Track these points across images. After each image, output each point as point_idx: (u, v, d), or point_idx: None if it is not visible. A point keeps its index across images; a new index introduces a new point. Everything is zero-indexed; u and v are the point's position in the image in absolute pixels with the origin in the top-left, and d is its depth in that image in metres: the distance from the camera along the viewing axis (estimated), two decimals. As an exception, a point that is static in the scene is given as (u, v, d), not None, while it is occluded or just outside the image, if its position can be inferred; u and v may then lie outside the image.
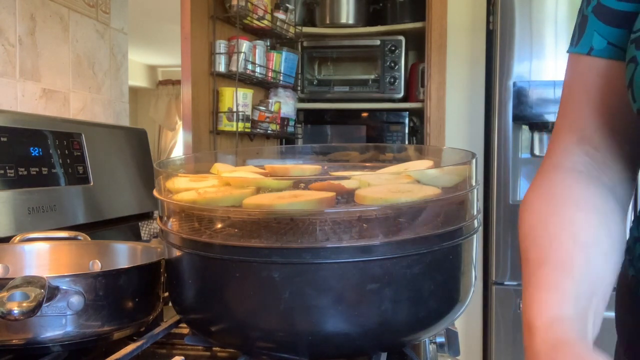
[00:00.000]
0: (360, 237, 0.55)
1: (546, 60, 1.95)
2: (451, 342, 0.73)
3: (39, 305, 0.52)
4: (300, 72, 2.53)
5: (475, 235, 0.65)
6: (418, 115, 2.57)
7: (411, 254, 0.56)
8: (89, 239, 0.84)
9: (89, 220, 1.13)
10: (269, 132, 2.28)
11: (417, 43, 2.46)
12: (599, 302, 0.49)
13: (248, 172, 0.73)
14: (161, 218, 0.67)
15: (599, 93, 0.61)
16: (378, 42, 2.45)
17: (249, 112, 2.17)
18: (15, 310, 0.51)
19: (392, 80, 2.44)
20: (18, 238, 0.81)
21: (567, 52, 0.65)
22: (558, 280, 0.49)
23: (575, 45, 0.63)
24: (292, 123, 2.45)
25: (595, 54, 0.61)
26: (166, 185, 0.66)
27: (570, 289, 0.48)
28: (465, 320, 2.20)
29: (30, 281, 0.54)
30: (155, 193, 0.67)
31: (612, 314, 0.69)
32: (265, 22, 2.19)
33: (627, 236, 0.63)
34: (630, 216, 1.76)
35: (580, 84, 0.63)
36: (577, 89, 0.63)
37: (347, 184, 0.60)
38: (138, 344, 0.63)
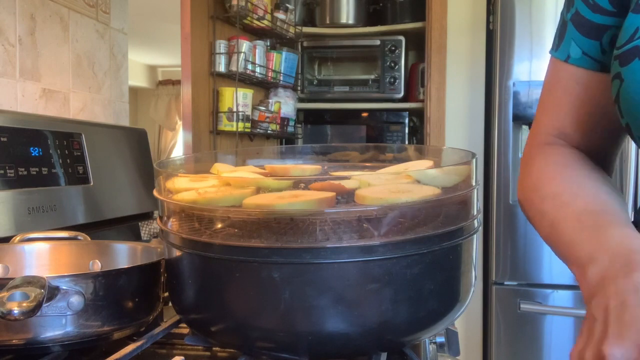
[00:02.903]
0: (360, 237, 0.55)
1: (546, 60, 1.93)
2: (451, 342, 0.73)
3: (39, 305, 0.52)
4: (300, 72, 2.53)
5: (475, 235, 0.65)
6: (418, 115, 2.57)
7: (411, 254, 0.56)
8: (89, 239, 0.84)
9: (89, 220, 1.13)
10: (269, 132, 2.28)
11: (417, 43, 2.46)
12: None
13: (248, 172, 0.73)
14: (161, 218, 0.67)
15: (578, 99, 0.65)
16: (378, 42, 2.45)
17: (249, 112, 2.17)
18: (15, 310, 0.51)
19: (392, 80, 2.44)
20: (18, 238, 0.81)
21: (549, 53, 0.68)
22: (628, 224, 0.52)
23: (555, 49, 0.66)
24: (292, 123, 2.45)
25: (572, 62, 0.64)
26: (166, 185, 0.66)
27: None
28: (465, 320, 2.20)
29: (30, 281, 0.54)
30: (155, 193, 0.67)
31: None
32: (265, 22, 2.19)
33: None
34: (630, 213, 1.76)
35: (560, 88, 0.66)
36: (557, 92, 0.67)
37: (347, 184, 0.60)
38: (138, 344, 0.63)
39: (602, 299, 0.43)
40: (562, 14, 0.66)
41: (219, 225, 0.59)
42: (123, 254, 0.82)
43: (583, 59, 0.63)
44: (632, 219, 0.68)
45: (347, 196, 0.60)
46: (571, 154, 0.65)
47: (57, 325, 0.58)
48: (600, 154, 0.67)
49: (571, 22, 0.64)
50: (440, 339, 0.72)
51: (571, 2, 0.64)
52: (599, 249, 0.48)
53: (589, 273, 0.47)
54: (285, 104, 2.38)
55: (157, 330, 0.68)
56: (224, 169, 0.76)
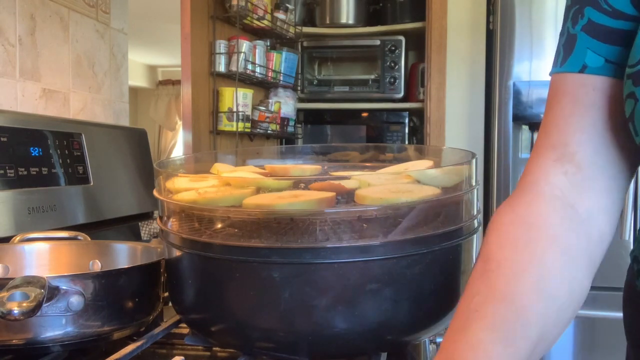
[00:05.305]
0: (360, 237, 0.55)
1: (546, 60, 1.95)
2: (451, 342, 0.73)
3: (39, 305, 0.52)
4: (300, 72, 2.53)
5: (475, 235, 0.65)
6: (418, 115, 2.57)
7: (411, 254, 0.56)
8: (89, 239, 0.84)
9: (89, 220, 1.13)
10: (269, 132, 2.28)
11: (417, 43, 2.46)
12: (540, 350, 0.47)
13: (248, 172, 0.73)
14: (161, 218, 0.67)
15: (592, 106, 0.57)
16: (378, 42, 2.45)
17: (249, 112, 2.17)
18: (15, 310, 0.51)
19: (392, 80, 2.44)
20: (18, 238, 0.81)
21: (551, 73, 0.61)
22: (514, 326, 0.45)
23: (560, 65, 0.60)
24: (292, 123, 2.45)
25: (591, 72, 0.57)
26: (166, 185, 0.66)
27: (522, 338, 0.45)
28: (465, 320, 2.20)
29: (30, 281, 0.54)
30: (155, 193, 0.67)
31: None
32: (265, 22, 2.19)
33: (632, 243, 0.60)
34: (630, 221, 1.75)
35: (566, 101, 0.58)
36: (561, 106, 0.59)
37: (347, 184, 0.60)
38: (138, 344, 0.63)
39: None
40: (565, 30, 0.60)
41: (219, 225, 0.59)
42: (123, 254, 0.82)
43: (606, 67, 0.56)
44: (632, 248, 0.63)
45: (347, 196, 0.60)
46: (550, 216, 0.55)
47: (57, 325, 0.58)
48: (613, 178, 0.57)
49: (584, 33, 0.58)
50: (440, 339, 0.72)
51: (579, 15, 0.58)
52: (443, 353, 0.44)
53: None
54: (285, 104, 2.38)
55: (157, 330, 0.68)
56: (224, 169, 0.76)
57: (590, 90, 0.57)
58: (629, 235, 1.71)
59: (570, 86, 0.58)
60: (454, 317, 0.47)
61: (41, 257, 0.80)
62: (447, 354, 0.43)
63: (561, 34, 0.61)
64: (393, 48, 2.42)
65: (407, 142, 2.46)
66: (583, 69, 0.57)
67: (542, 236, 0.52)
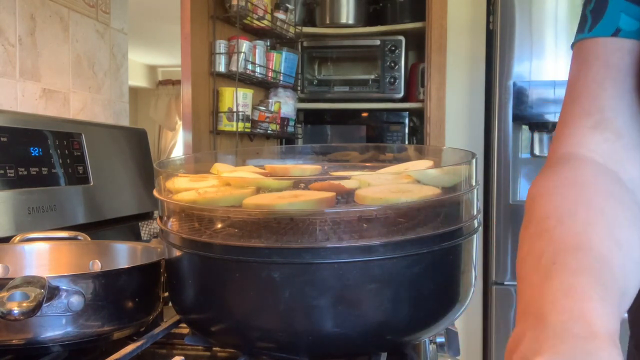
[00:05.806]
0: (360, 237, 0.55)
1: (546, 60, 1.95)
2: (451, 342, 0.73)
3: (39, 305, 0.52)
4: (300, 72, 2.53)
5: (475, 235, 0.64)
6: (418, 115, 2.57)
7: (411, 254, 0.56)
8: (89, 239, 0.84)
9: (89, 220, 1.13)
10: (269, 132, 2.28)
11: (417, 43, 2.46)
12: (624, 307, 0.42)
13: (248, 172, 0.73)
14: (161, 218, 0.67)
15: (627, 71, 0.54)
16: (378, 42, 2.45)
17: (249, 112, 2.17)
18: (15, 310, 0.51)
19: (392, 80, 2.44)
20: (18, 238, 0.81)
21: (577, 39, 0.58)
22: (601, 273, 0.39)
23: (589, 30, 0.57)
24: (292, 123, 2.45)
25: (625, 35, 0.54)
26: (166, 185, 0.66)
27: (612, 286, 0.39)
28: (465, 320, 2.20)
29: (30, 281, 0.54)
30: (155, 193, 0.67)
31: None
32: (265, 22, 2.19)
33: None
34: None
35: (599, 65, 0.55)
36: (593, 71, 0.55)
37: (347, 184, 0.60)
38: (138, 344, 0.63)
39: None
40: None
41: (219, 225, 0.59)
42: (123, 254, 0.82)
43: None
44: None
45: (347, 196, 0.60)
46: (598, 176, 0.51)
47: (57, 325, 0.58)
48: None
49: None
50: (440, 339, 0.72)
51: None
52: (530, 306, 0.38)
53: (513, 333, 0.37)
54: (285, 104, 2.38)
55: (157, 330, 0.68)
56: (224, 169, 0.76)
57: (626, 54, 0.54)
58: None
59: (602, 50, 0.55)
60: (522, 280, 0.42)
61: (41, 257, 0.80)
62: (535, 307, 0.37)
63: (586, 1, 0.59)
64: (393, 48, 2.42)
65: (407, 142, 2.46)
66: (617, 33, 0.55)
67: (599, 192, 0.48)
